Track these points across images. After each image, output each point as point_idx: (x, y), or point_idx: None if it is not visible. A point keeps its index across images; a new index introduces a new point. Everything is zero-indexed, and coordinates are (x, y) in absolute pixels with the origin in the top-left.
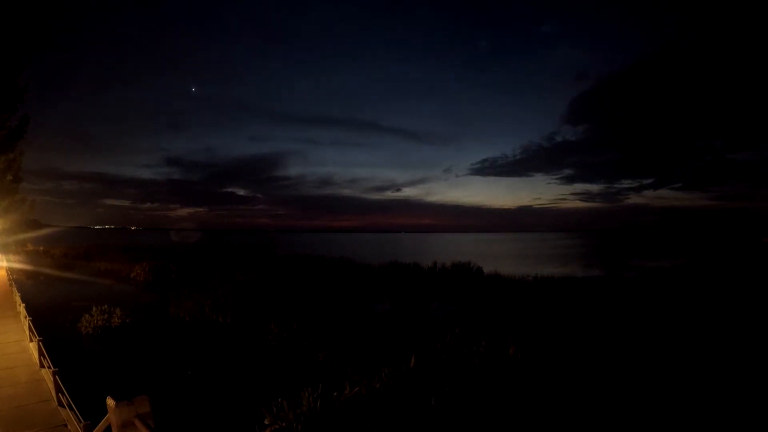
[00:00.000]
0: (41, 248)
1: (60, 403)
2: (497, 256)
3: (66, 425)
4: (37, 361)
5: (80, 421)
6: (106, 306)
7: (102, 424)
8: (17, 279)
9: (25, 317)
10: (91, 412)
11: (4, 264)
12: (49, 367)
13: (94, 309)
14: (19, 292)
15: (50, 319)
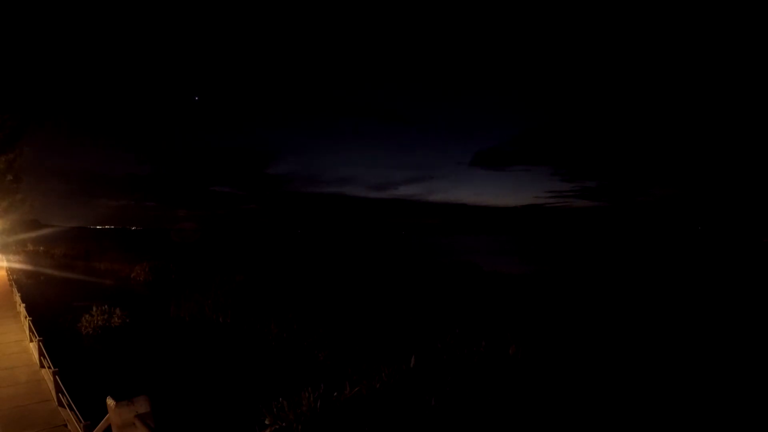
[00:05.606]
0: (41, 248)
1: (60, 403)
2: (498, 256)
3: (66, 425)
4: (37, 361)
5: (80, 421)
6: (106, 306)
7: (102, 424)
8: (17, 279)
9: (26, 317)
10: (91, 412)
11: (4, 264)
12: (49, 367)
13: (94, 309)
14: (19, 292)
15: (50, 319)
